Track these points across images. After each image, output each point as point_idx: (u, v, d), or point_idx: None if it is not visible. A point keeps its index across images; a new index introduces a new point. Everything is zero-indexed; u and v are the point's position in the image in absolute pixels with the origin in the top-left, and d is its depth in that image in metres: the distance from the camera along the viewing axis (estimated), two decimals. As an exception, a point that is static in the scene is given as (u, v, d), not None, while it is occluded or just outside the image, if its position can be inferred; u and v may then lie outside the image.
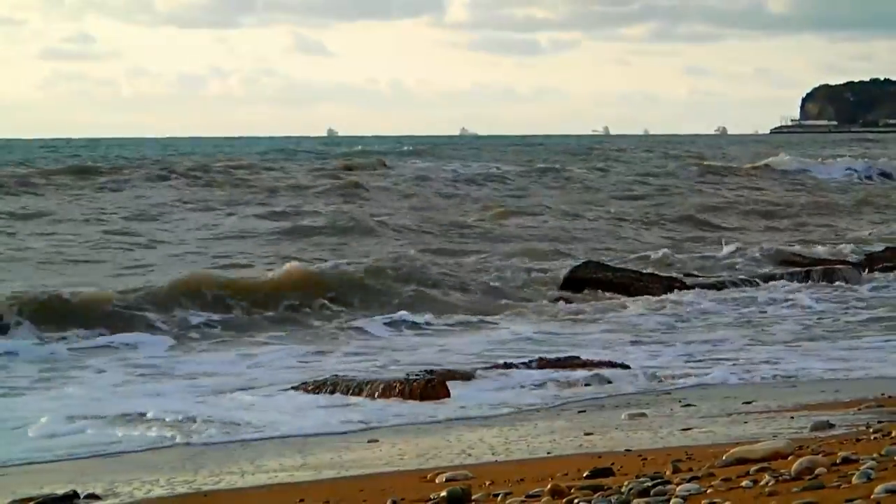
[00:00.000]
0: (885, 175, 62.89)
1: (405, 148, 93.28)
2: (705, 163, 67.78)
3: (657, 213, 40.32)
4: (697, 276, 25.65)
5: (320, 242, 30.92)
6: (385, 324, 19.59)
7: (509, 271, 25.26)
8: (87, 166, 57.27)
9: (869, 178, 61.77)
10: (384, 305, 21.36)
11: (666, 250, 29.11)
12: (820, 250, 29.28)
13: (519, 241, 31.97)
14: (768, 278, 24.99)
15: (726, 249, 29.38)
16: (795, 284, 24.17)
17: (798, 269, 25.82)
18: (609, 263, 25.81)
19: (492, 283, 23.91)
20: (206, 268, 24.36)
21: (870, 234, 34.59)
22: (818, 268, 25.79)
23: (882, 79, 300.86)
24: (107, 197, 44.17)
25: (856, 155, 76.85)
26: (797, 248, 29.93)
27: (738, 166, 66.50)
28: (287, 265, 22.78)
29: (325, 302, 21.23)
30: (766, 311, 20.99)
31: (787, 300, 22.07)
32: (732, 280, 24.90)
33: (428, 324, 19.75)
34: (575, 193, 48.90)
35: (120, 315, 19.31)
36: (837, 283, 24.48)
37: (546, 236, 33.39)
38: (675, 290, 23.19)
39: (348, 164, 63.79)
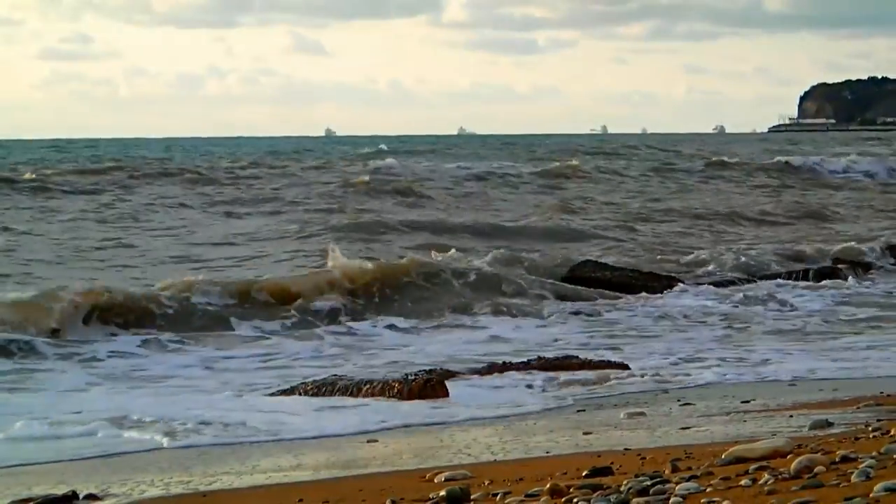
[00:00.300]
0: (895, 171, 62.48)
1: (406, 149, 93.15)
2: (714, 160, 67.46)
3: (667, 210, 40.21)
4: (697, 275, 25.66)
5: (345, 240, 30.91)
6: (377, 324, 19.65)
7: (512, 270, 25.21)
8: (102, 167, 56.96)
9: (877, 175, 61.41)
10: (409, 304, 21.36)
11: (659, 254, 29.07)
12: (827, 248, 29.14)
13: (524, 239, 31.98)
14: (769, 276, 25.04)
15: (731, 248, 29.31)
16: (795, 283, 24.20)
17: (798, 268, 25.84)
18: (607, 262, 25.80)
19: (494, 283, 23.80)
20: (232, 267, 24.46)
21: (883, 232, 34.44)
22: (817, 267, 25.83)
23: (880, 77, 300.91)
24: (128, 197, 43.94)
25: (860, 152, 76.75)
26: (801, 246, 29.89)
27: (750, 162, 66.42)
28: (333, 261, 22.76)
29: (348, 302, 21.14)
30: (764, 310, 20.99)
31: (785, 299, 22.08)
32: (731, 279, 24.93)
33: (414, 327, 19.76)
34: (587, 191, 48.90)
35: (137, 313, 19.25)
36: (838, 281, 24.51)
37: (553, 234, 33.34)
38: (675, 289, 23.20)
39: (364, 162, 63.55)
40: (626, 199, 45.43)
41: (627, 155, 79.16)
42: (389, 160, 65.24)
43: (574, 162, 62.59)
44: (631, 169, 61.98)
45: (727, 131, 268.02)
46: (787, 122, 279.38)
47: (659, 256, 28.51)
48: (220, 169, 56.04)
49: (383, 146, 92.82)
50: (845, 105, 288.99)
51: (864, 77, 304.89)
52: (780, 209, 42.02)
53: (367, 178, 49.20)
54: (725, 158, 68.30)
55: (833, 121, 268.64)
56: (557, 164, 62.30)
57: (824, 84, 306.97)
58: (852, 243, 29.57)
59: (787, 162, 64.32)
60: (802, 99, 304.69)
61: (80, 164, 60.82)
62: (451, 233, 33.15)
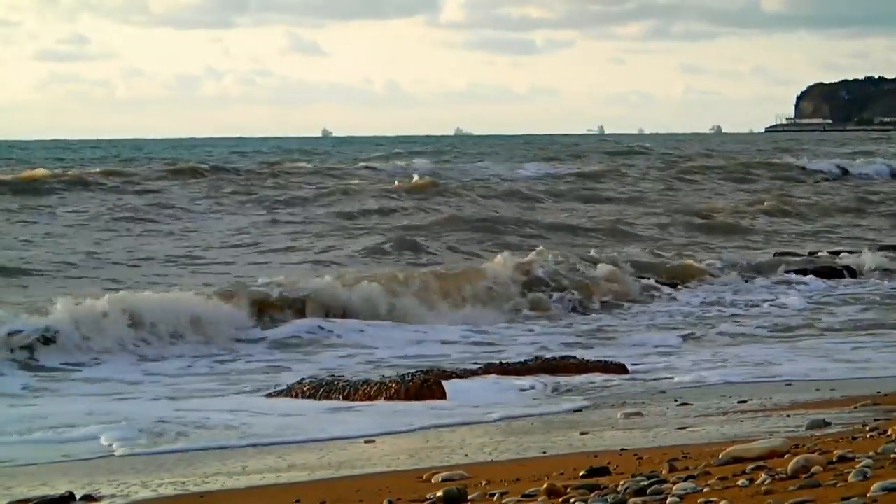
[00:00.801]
0: None
1: (407, 149, 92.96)
2: (733, 162, 66.89)
3: (688, 211, 40.02)
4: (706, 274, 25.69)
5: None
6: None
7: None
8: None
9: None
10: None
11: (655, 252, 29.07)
12: (832, 250, 29.04)
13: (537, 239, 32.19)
14: (768, 274, 25.19)
15: (733, 254, 29.26)
16: (793, 280, 24.32)
17: (795, 269, 25.88)
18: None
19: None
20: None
21: None
22: (815, 266, 25.88)
23: (877, 77, 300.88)
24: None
25: (858, 152, 76.64)
26: (798, 248, 29.94)
27: (766, 161, 66.27)
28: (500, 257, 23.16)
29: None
30: (760, 311, 21.03)
31: (780, 300, 22.12)
32: (728, 279, 24.95)
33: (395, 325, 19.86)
34: (620, 190, 49.01)
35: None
36: (837, 282, 24.57)
37: (560, 235, 33.39)
38: (672, 289, 23.24)
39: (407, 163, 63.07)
40: (653, 201, 45.38)
41: (651, 155, 78.70)
42: (419, 160, 65.22)
43: (601, 165, 62.55)
44: (659, 171, 61.27)
45: (724, 131, 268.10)
46: (784, 121, 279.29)
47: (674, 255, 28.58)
48: (279, 171, 55.44)
49: (399, 150, 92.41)
50: (842, 105, 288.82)
51: (861, 77, 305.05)
52: (811, 207, 41.82)
53: (419, 178, 48.96)
54: (740, 160, 67.93)
55: (830, 120, 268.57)
56: (558, 163, 62.36)
57: (821, 84, 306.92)
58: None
59: (811, 166, 63.71)
60: (799, 99, 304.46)
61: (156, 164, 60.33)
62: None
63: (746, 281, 24.69)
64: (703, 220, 37.33)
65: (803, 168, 62.63)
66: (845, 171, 61.37)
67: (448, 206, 39.96)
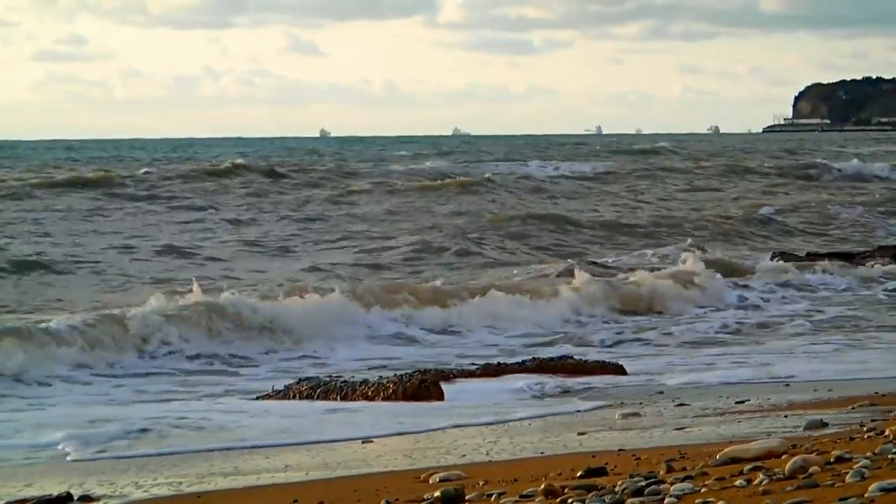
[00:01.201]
0: None
1: (410, 150, 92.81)
2: (743, 163, 66.65)
3: (711, 214, 39.99)
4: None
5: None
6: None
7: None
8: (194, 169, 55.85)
9: None
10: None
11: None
12: (837, 251, 29.04)
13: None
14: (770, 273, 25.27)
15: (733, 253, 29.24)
16: (794, 281, 24.38)
17: (795, 269, 25.88)
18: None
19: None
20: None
21: None
22: (815, 266, 25.89)
23: (874, 77, 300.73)
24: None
25: (863, 153, 76.71)
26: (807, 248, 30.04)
27: (779, 162, 66.21)
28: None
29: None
30: (759, 311, 21.03)
31: (780, 300, 22.13)
32: (724, 281, 24.93)
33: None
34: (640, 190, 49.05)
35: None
36: (840, 281, 24.58)
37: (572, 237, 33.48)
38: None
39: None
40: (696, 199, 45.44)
41: (667, 156, 78.44)
42: (431, 163, 65.15)
43: (627, 164, 62.55)
44: (681, 170, 61.01)
45: (722, 131, 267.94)
46: (782, 122, 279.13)
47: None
48: (318, 170, 55.63)
49: (405, 151, 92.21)
50: (840, 105, 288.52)
51: (859, 77, 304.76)
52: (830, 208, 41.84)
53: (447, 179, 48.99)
54: (751, 163, 67.77)
55: (828, 121, 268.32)
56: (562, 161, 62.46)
57: (819, 84, 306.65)
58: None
59: (834, 167, 63.40)
60: (797, 99, 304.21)
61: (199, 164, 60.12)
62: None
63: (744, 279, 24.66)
64: (717, 220, 37.26)
65: (818, 166, 62.65)
66: (861, 172, 61.30)
67: (495, 204, 40.27)
